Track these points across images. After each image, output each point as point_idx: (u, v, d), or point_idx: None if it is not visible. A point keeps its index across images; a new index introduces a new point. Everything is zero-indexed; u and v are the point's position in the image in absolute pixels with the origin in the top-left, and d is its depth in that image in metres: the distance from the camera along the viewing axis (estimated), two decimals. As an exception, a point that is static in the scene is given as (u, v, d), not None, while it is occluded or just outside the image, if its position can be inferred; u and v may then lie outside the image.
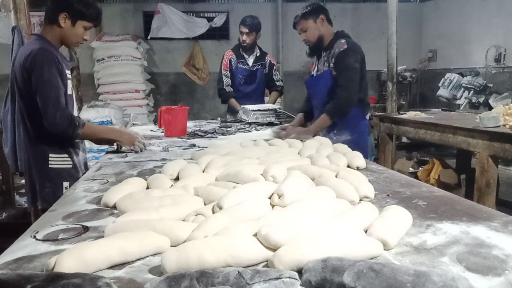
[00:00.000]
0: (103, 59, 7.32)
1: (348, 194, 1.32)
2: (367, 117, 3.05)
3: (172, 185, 1.51)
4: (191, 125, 3.42)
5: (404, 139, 6.96)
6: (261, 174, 1.48)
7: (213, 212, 1.16)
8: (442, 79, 7.29)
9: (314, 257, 0.84)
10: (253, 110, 3.56)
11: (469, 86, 6.94)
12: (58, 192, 2.15)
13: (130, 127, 3.54)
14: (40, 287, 0.73)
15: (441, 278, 0.74)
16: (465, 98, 6.98)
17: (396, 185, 1.59)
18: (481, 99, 6.85)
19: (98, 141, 2.37)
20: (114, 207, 1.31)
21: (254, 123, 3.47)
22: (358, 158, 1.87)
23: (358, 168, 1.79)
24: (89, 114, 5.49)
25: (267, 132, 3.13)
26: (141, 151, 2.34)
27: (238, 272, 0.78)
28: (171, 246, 0.99)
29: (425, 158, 5.51)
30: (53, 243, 1.06)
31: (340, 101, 2.75)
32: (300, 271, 0.83)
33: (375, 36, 8.35)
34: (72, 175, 2.23)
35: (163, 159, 2.12)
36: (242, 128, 3.28)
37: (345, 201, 1.26)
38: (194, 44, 8.45)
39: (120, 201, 1.29)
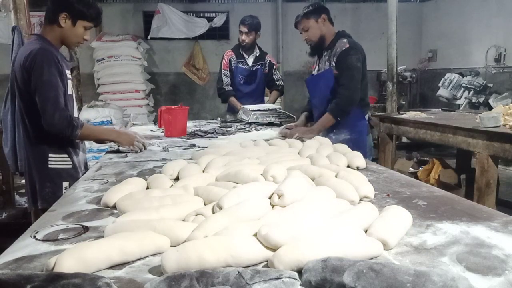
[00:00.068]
0: (103, 59, 7.32)
1: (348, 194, 1.32)
2: (367, 117, 3.05)
3: (172, 185, 1.51)
4: (191, 125, 3.42)
5: (404, 139, 6.96)
6: (261, 174, 1.48)
7: (213, 212, 1.16)
8: (442, 79, 7.29)
9: (314, 257, 0.84)
10: (253, 110, 3.56)
11: (469, 86, 6.94)
12: (58, 192, 2.15)
13: (130, 127, 3.54)
14: (40, 287, 0.73)
15: (441, 278, 0.74)
16: (465, 98, 6.98)
17: (396, 185, 1.59)
18: (481, 99, 6.85)
19: (99, 140, 2.38)
20: (114, 207, 1.31)
21: (254, 123, 3.48)
22: (358, 158, 1.87)
23: (358, 168, 1.79)
24: (89, 114, 5.49)
25: (267, 132, 3.14)
26: (140, 151, 2.34)
27: (238, 272, 0.78)
28: (171, 246, 0.99)
29: (425, 158, 5.50)
30: (53, 243, 1.06)
31: (342, 100, 2.76)
32: (300, 271, 0.83)
33: (375, 36, 8.35)
34: (72, 175, 2.23)
35: (163, 159, 2.12)
36: (242, 128, 3.28)
37: (345, 201, 1.26)
38: (194, 44, 8.44)
39: (120, 201, 1.29)
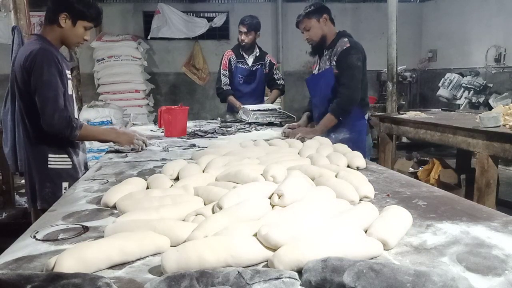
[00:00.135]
0: (103, 59, 7.32)
1: (348, 194, 1.32)
2: (366, 117, 3.06)
3: (172, 185, 1.51)
4: (191, 125, 3.42)
5: (404, 139, 6.96)
6: (261, 174, 1.48)
7: (213, 212, 1.16)
8: (442, 79, 7.29)
9: (314, 257, 0.84)
10: (253, 110, 3.56)
11: (469, 86, 6.94)
12: (57, 192, 2.15)
13: (130, 127, 3.54)
14: (40, 287, 0.73)
15: (441, 278, 0.74)
16: (465, 98, 6.99)
17: (396, 185, 1.59)
18: (481, 99, 6.85)
19: (98, 141, 2.38)
20: (114, 207, 1.31)
21: (254, 123, 3.48)
22: (358, 158, 1.87)
23: (358, 168, 1.79)
24: (89, 114, 5.49)
25: (267, 132, 3.14)
26: (142, 149, 2.33)
27: (238, 272, 0.78)
28: (171, 246, 0.99)
29: (425, 158, 5.50)
30: (53, 243, 1.06)
31: (343, 99, 2.77)
32: (300, 271, 0.83)
33: (375, 36, 8.35)
34: (72, 175, 2.23)
35: (163, 159, 2.12)
36: (242, 128, 3.28)
37: (345, 201, 1.26)
38: (194, 44, 8.45)
39: (120, 201, 1.29)
